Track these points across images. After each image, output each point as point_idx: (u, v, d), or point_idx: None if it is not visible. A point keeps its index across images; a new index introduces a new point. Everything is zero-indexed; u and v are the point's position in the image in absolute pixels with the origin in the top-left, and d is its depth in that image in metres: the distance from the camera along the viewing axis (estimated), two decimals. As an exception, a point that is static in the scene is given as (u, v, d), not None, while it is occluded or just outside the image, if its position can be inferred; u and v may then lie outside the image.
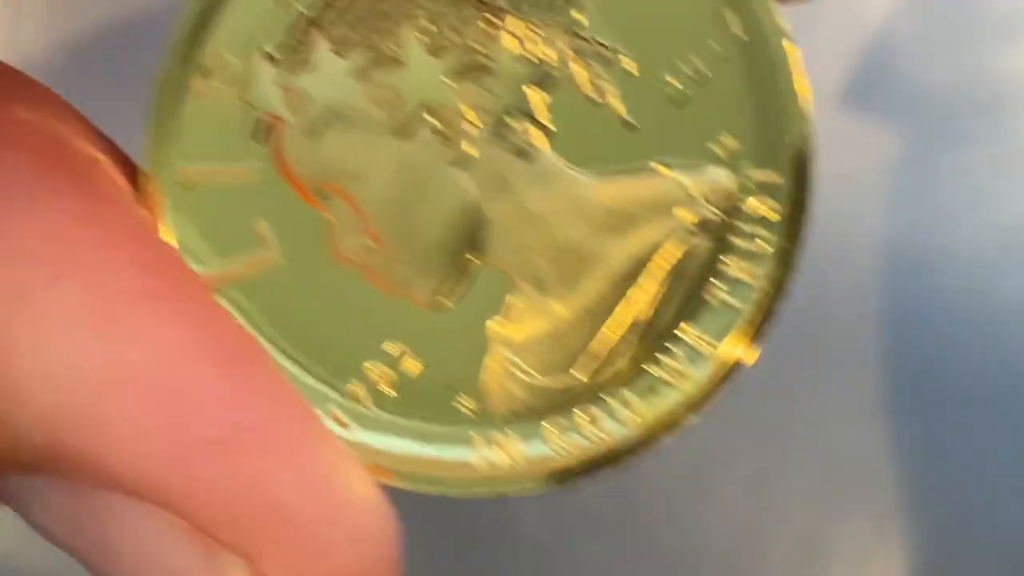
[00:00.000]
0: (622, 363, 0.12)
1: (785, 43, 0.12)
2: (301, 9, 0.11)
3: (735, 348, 0.12)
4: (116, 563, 0.11)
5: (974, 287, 0.25)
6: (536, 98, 0.12)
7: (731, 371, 0.12)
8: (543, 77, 0.12)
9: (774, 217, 0.12)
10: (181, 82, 0.12)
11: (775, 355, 0.25)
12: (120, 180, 0.11)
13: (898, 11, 0.25)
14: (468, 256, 0.12)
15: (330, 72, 0.12)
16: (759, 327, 0.12)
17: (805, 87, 0.12)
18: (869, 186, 0.25)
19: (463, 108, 0.12)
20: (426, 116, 0.12)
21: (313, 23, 0.12)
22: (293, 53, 0.12)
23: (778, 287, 0.12)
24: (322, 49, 0.12)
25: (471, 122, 0.12)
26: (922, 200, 0.25)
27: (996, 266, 0.25)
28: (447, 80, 0.12)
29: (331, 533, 0.11)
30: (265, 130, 0.12)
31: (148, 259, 0.11)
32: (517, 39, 0.12)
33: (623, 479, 0.25)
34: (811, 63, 0.25)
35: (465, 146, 0.12)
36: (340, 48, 0.12)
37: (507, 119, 0.12)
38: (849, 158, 0.25)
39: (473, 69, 0.12)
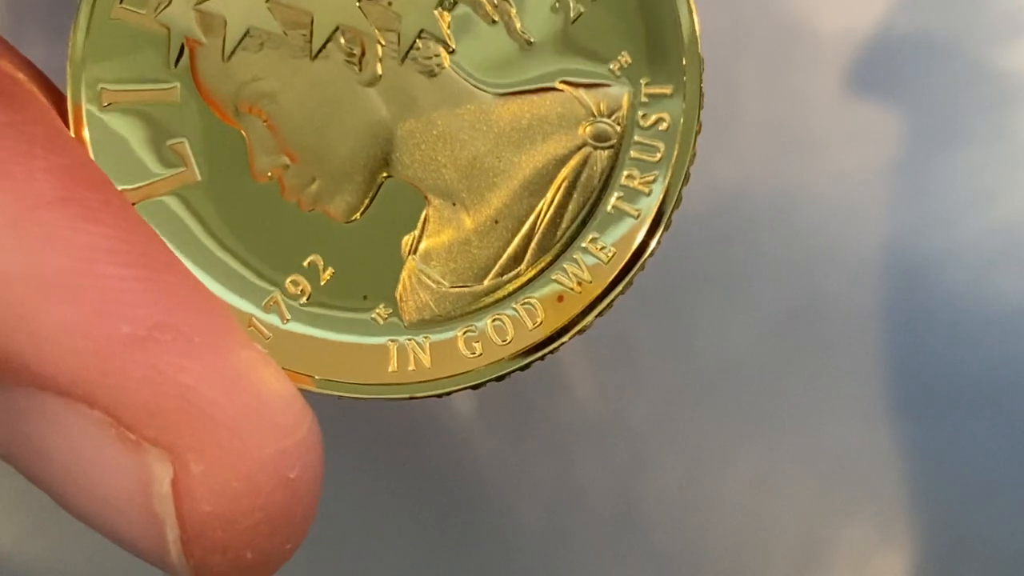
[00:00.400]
0: (528, 271, 0.13)
1: None
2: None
3: (632, 251, 0.13)
4: (48, 463, 0.12)
5: (975, 286, 0.25)
6: (441, 20, 0.12)
7: (630, 276, 0.13)
8: (451, 9, 0.12)
9: (668, 123, 0.12)
10: (101, 5, 0.12)
11: (774, 354, 0.25)
12: (41, 98, 0.12)
13: (898, 10, 0.25)
14: (380, 172, 0.12)
15: None
16: (655, 233, 0.13)
17: (691, 7, 0.12)
18: (869, 185, 0.25)
19: (373, 30, 0.12)
20: (338, 38, 0.12)
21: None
22: None
23: (672, 195, 0.13)
24: None
25: (380, 43, 0.12)
26: (922, 199, 0.25)
27: (997, 265, 0.25)
28: (358, 3, 0.12)
29: (250, 428, 0.11)
30: (182, 52, 0.12)
31: (66, 168, 0.11)
32: None
33: (624, 479, 0.24)
34: (811, 62, 0.25)
35: (375, 67, 0.12)
36: None
37: (414, 40, 0.12)
38: (849, 157, 0.25)
39: None
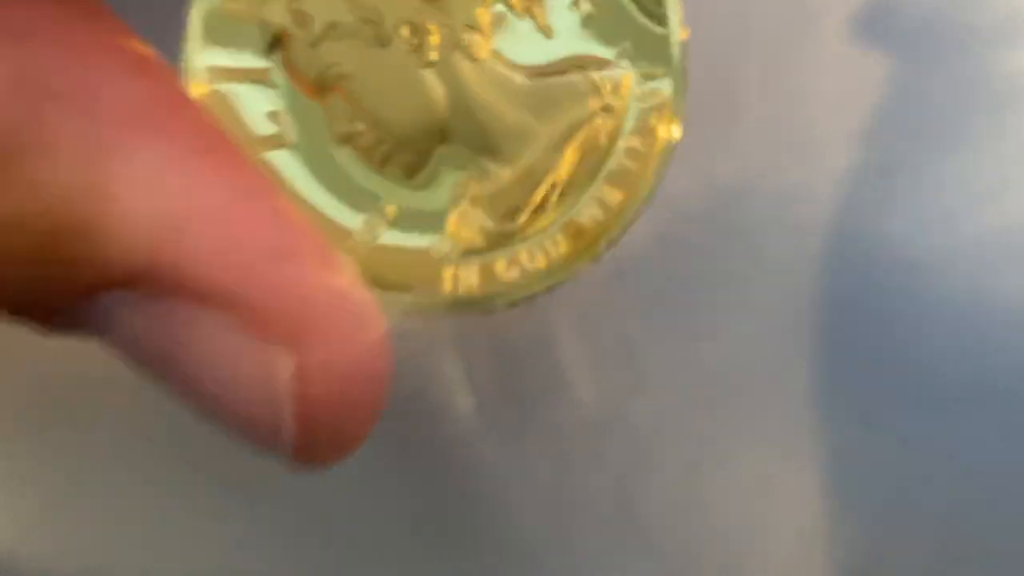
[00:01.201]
0: (553, 213, 0.16)
1: None
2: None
3: (634, 199, 0.16)
4: (187, 361, 0.14)
5: (973, 288, 0.25)
6: (483, 17, 0.16)
7: (633, 215, 0.16)
8: (493, 9, 0.16)
9: (660, 99, 0.16)
10: (214, 4, 0.15)
11: (774, 354, 0.25)
12: (168, 71, 0.15)
13: (899, 10, 0.25)
14: (436, 137, 0.16)
15: None
16: (650, 184, 0.16)
17: (678, 6, 0.16)
18: (867, 186, 0.25)
19: (429, 25, 0.16)
20: (401, 30, 0.15)
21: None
22: None
23: (664, 153, 0.16)
24: None
25: (435, 35, 0.16)
26: (921, 201, 0.25)
27: (996, 267, 0.25)
28: (417, 3, 0.15)
29: (351, 327, 0.14)
30: (276, 41, 0.15)
31: (203, 125, 0.14)
32: None
33: (623, 478, 0.24)
34: (808, 64, 0.24)
35: (431, 54, 0.16)
36: None
37: (462, 33, 0.16)
38: (847, 158, 0.25)
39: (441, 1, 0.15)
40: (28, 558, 0.24)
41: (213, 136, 0.14)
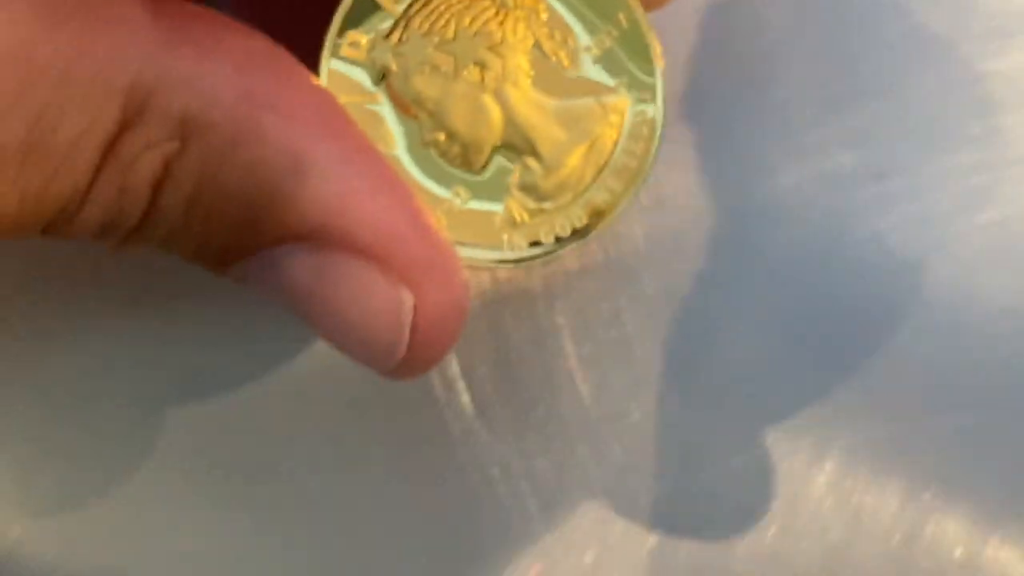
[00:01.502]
0: (575, 195, 0.22)
1: (647, 31, 0.23)
2: (401, 10, 0.22)
3: (630, 186, 0.23)
4: (334, 296, 0.21)
5: (965, 288, 0.25)
6: (526, 58, 0.22)
7: (630, 196, 0.22)
8: (530, 49, 0.22)
9: (647, 118, 0.22)
10: (338, 48, 0.22)
11: (773, 354, 0.25)
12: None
13: (890, 13, 0.26)
14: (495, 142, 0.22)
15: (417, 43, 0.22)
16: (642, 173, 0.23)
17: (658, 50, 0.23)
18: (861, 187, 0.25)
19: (488, 64, 0.22)
20: (470, 67, 0.22)
21: (407, 18, 0.22)
22: (397, 31, 0.22)
23: (651, 153, 0.23)
24: (412, 30, 0.22)
25: (492, 71, 0.22)
26: (913, 202, 0.25)
27: (987, 266, 0.25)
28: (480, 48, 0.22)
29: (452, 274, 0.21)
30: (380, 74, 0.22)
31: (355, 127, 0.21)
32: (517, 30, 0.22)
33: (624, 478, 0.25)
34: (803, 66, 0.25)
35: (489, 84, 0.22)
36: (424, 30, 0.22)
37: (511, 70, 0.22)
38: (842, 160, 0.26)
39: (495, 44, 0.22)
40: (28, 557, 0.25)
41: (361, 135, 0.21)
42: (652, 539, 0.24)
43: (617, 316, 0.25)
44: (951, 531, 0.24)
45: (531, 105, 0.22)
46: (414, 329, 0.21)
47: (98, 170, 0.20)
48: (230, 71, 0.20)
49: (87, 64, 0.19)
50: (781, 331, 0.25)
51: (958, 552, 0.24)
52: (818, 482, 0.24)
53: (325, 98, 0.21)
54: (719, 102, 0.26)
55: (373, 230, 0.20)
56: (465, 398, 0.25)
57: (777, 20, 0.24)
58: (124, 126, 0.19)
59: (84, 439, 0.25)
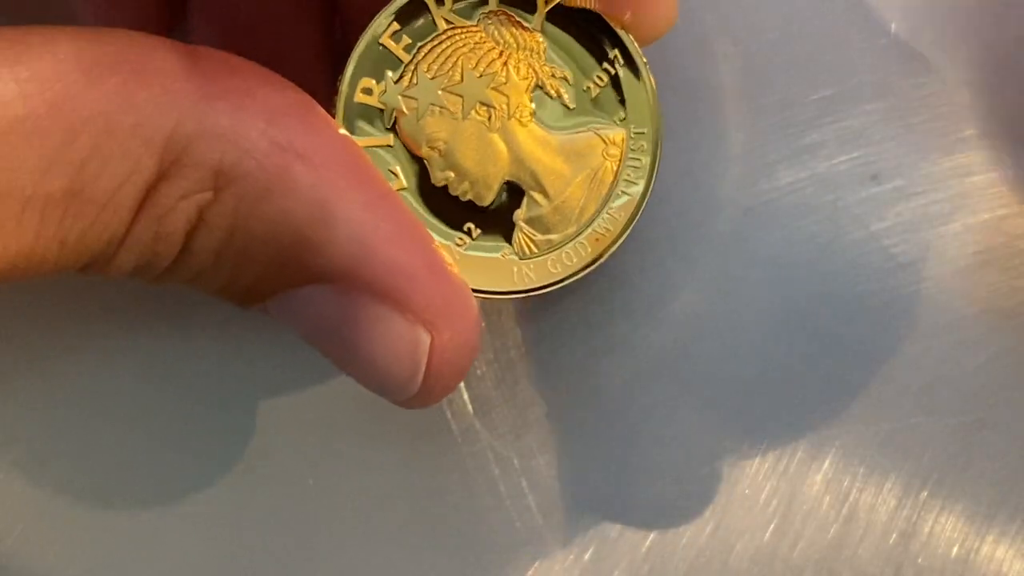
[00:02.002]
0: (579, 227, 0.23)
1: (643, 67, 0.24)
2: (410, 56, 0.23)
3: (631, 214, 0.24)
4: (355, 334, 0.21)
5: (960, 288, 0.25)
6: (529, 98, 0.23)
7: (630, 224, 0.24)
8: (533, 87, 0.23)
9: (644, 148, 0.24)
10: (352, 93, 0.23)
11: (772, 354, 0.25)
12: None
13: (883, 20, 0.26)
14: (502, 178, 0.23)
15: (426, 86, 0.23)
16: (640, 205, 0.24)
17: (653, 87, 0.24)
18: (858, 188, 0.26)
19: (494, 104, 0.23)
20: (477, 108, 0.23)
21: (415, 63, 0.23)
22: (407, 76, 0.23)
23: (649, 184, 0.24)
24: (421, 74, 0.23)
25: (498, 110, 0.23)
26: (909, 202, 0.26)
27: (982, 267, 0.25)
28: (486, 89, 0.23)
29: (466, 314, 0.22)
30: (393, 117, 0.23)
31: (377, 174, 0.22)
32: (520, 70, 0.23)
33: (625, 478, 0.25)
34: (800, 69, 0.26)
35: (495, 123, 0.23)
36: (432, 73, 0.23)
37: (516, 108, 0.23)
38: (838, 161, 0.26)
39: (499, 84, 0.23)
40: (28, 557, 0.25)
41: (383, 182, 0.22)
42: (650, 537, 0.25)
43: (615, 317, 0.26)
44: (947, 529, 0.24)
45: (535, 141, 0.23)
46: (429, 365, 0.22)
47: (135, 218, 0.21)
48: (263, 123, 0.21)
49: (127, 116, 0.20)
50: (778, 330, 0.25)
51: (954, 550, 0.24)
52: (816, 481, 0.25)
53: (350, 147, 0.22)
54: (717, 103, 0.26)
55: (393, 275, 0.21)
56: (465, 397, 0.26)
57: (775, 22, 0.25)
58: (161, 176, 0.20)
59: (85, 440, 0.25)
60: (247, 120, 0.21)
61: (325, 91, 0.23)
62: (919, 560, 0.24)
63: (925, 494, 0.25)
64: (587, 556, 0.25)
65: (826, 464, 0.25)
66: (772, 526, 0.25)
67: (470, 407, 0.26)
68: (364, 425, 0.26)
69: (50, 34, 0.20)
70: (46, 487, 0.25)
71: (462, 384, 0.26)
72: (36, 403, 0.26)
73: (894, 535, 0.24)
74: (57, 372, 0.26)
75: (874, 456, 0.24)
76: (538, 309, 0.25)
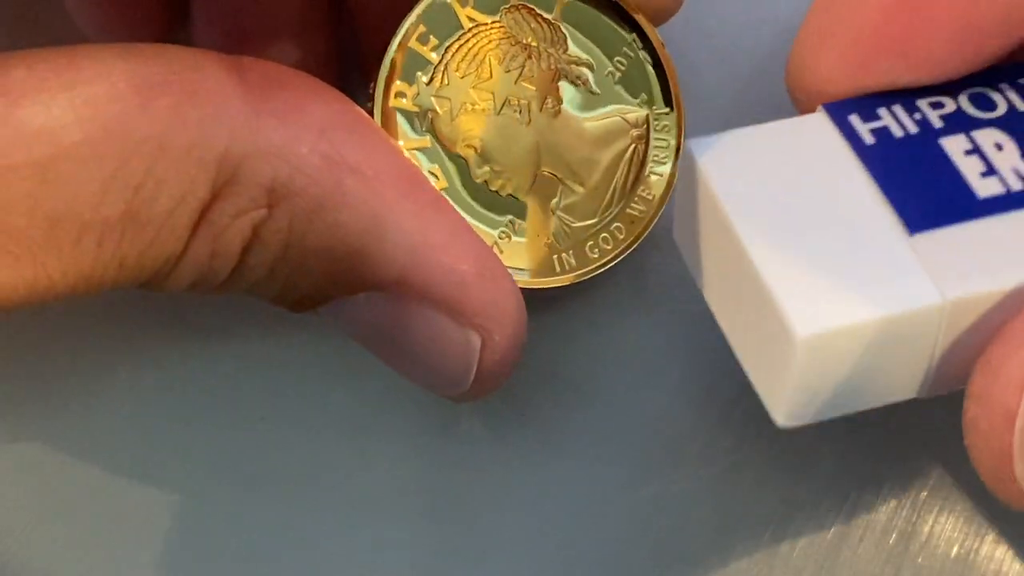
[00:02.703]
0: (614, 210, 0.24)
1: (660, 47, 0.24)
2: (439, 57, 0.23)
3: (663, 193, 0.24)
4: (409, 338, 0.22)
5: None
6: (555, 88, 0.24)
7: (662, 204, 0.24)
8: (558, 77, 0.24)
9: (669, 128, 0.24)
10: (387, 98, 0.23)
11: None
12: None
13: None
14: (537, 169, 0.24)
15: (457, 86, 0.23)
16: (670, 184, 0.24)
17: (672, 67, 0.24)
18: None
19: (523, 98, 0.24)
20: (509, 102, 0.24)
21: (444, 63, 0.23)
22: (438, 77, 0.23)
23: (675, 163, 0.24)
24: (451, 74, 0.23)
25: (528, 103, 0.24)
26: None
27: None
28: (515, 83, 0.24)
29: (510, 316, 0.22)
30: (428, 119, 0.23)
31: (425, 181, 0.22)
32: (545, 61, 0.24)
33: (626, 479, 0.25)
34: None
35: (529, 115, 0.24)
36: (462, 72, 0.23)
37: (545, 99, 0.24)
38: None
39: (528, 78, 0.24)
40: (29, 557, 0.25)
41: (431, 188, 0.22)
42: (651, 537, 0.25)
43: (616, 316, 0.26)
44: (947, 530, 0.24)
45: (565, 130, 0.24)
46: (479, 365, 0.22)
47: (191, 237, 0.21)
48: (315, 137, 0.21)
49: (181, 136, 0.20)
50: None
51: (954, 550, 0.24)
52: (816, 481, 0.25)
53: (398, 156, 0.22)
54: (721, 102, 0.27)
55: (445, 281, 0.22)
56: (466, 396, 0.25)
57: (776, 21, 0.25)
58: (216, 196, 0.21)
59: (85, 440, 0.25)
60: (298, 135, 0.21)
61: None
62: (919, 560, 0.24)
63: (925, 494, 0.24)
64: (587, 555, 0.25)
65: (826, 464, 0.25)
66: (772, 526, 0.24)
67: (470, 407, 0.26)
68: (363, 424, 0.26)
69: (99, 55, 0.20)
70: (46, 487, 0.25)
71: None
72: (36, 403, 0.26)
73: (894, 535, 0.24)
74: (57, 371, 0.26)
75: (874, 455, 0.24)
76: (540, 308, 0.25)
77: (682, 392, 0.25)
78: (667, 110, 0.25)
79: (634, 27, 0.24)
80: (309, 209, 0.21)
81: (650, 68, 0.24)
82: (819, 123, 0.22)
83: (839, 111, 0.22)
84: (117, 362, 0.25)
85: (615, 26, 0.24)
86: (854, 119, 0.22)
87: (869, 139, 0.21)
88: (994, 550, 0.24)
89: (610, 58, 0.24)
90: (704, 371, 0.25)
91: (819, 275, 0.20)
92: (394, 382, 0.24)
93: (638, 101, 0.24)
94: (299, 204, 0.21)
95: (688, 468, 0.24)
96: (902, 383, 0.21)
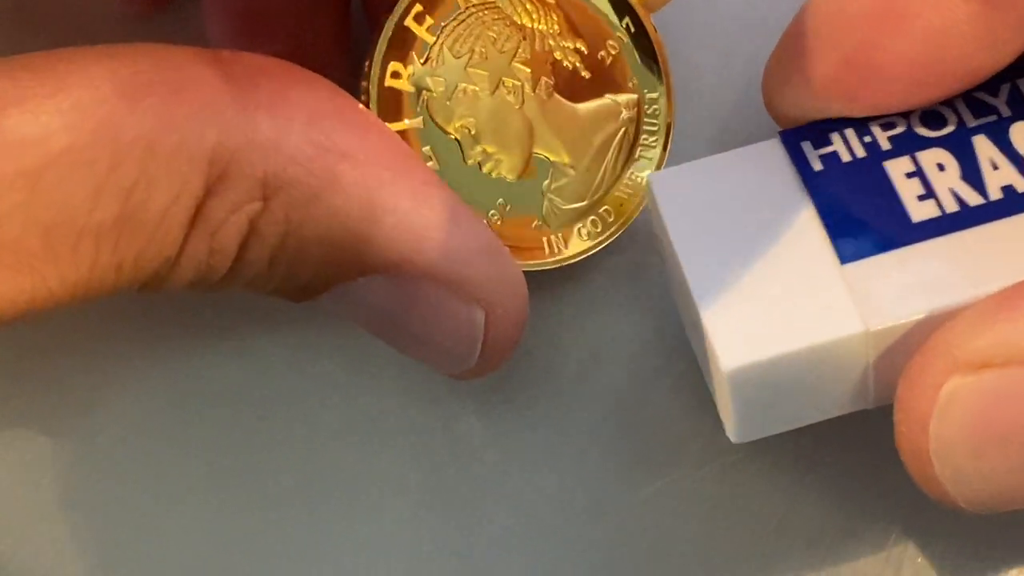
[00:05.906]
0: (604, 192, 0.25)
1: (652, 32, 0.25)
2: (434, 37, 0.23)
3: (647, 174, 0.25)
4: (413, 318, 0.22)
5: None
6: (548, 71, 0.24)
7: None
8: (551, 60, 0.24)
9: (659, 112, 0.25)
10: (382, 78, 0.23)
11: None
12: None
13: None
14: (530, 151, 0.24)
15: (452, 66, 0.24)
16: (659, 167, 0.25)
17: (664, 52, 0.25)
18: None
19: (517, 79, 0.24)
20: (503, 84, 0.24)
21: (440, 43, 0.24)
22: (432, 58, 0.24)
23: (664, 147, 0.25)
24: (446, 54, 0.24)
25: (522, 85, 0.24)
26: None
27: None
28: (509, 65, 0.24)
29: (513, 292, 0.23)
30: (422, 99, 0.24)
31: (420, 163, 0.22)
32: (539, 44, 0.24)
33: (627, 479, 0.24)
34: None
35: (522, 97, 0.24)
36: (456, 54, 0.24)
37: (538, 82, 0.24)
38: None
39: (522, 60, 0.24)
40: (28, 557, 0.24)
41: (425, 168, 0.23)
42: (651, 536, 0.24)
43: (615, 316, 0.26)
44: (947, 529, 0.24)
45: (557, 113, 0.24)
46: (484, 340, 0.23)
47: (188, 236, 0.21)
48: (304, 126, 0.21)
49: (170, 135, 0.20)
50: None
51: (954, 551, 0.24)
52: (814, 480, 0.25)
53: (390, 137, 0.22)
54: (718, 100, 0.27)
55: (446, 259, 0.22)
56: (466, 399, 0.26)
57: (776, 21, 0.24)
58: (209, 193, 0.21)
59: (85, 440, 0.25)
60: (287, 125, 0.21)
61: (345, 79, 0.23)
62: (919, 560, 0.24)
63: (924, 493, 0.23)
64: (587, 554, 0.25)
65: (826, 463, 0.25)
66: (772, 526, 0.24)
67: (470, 407, 0.26)
68: (363, 423, 0.25)
69: (81, 59, 0.20)
70: (46, 487, 0.25)
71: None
72: (36, 403, 0.25)
73: (894, 535, 0.24)
74: (57, 372, 0.26)
75: (874, 454, 0.24)
76: (539, 307, 0.25)
77: (682, 392, 0.25)
78: (657, 94, 0.25)
79: (627, 11, 0.24)
80: (304, 198, 0.21)
81: (642, 52, 0.25)
82: (772, 151, 0.23)
83: (792, 138, 0.23)
84: (116, 362, 0.25)
85: (608, 9, 0.24)
86: (806, 146, 0.23)
87: (817, 165, 0.22)
88: (994, 550, 0.24)
89: (602, 42, 0.24)
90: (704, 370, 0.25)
91: (752, 307, 0.21)
92: (394, 381, 0.24)
93: (629, 83, 0.25)
94: (294, 194, 0.21)
95: (688, 468, 0.25)
96: (845, 398, 0.22)
